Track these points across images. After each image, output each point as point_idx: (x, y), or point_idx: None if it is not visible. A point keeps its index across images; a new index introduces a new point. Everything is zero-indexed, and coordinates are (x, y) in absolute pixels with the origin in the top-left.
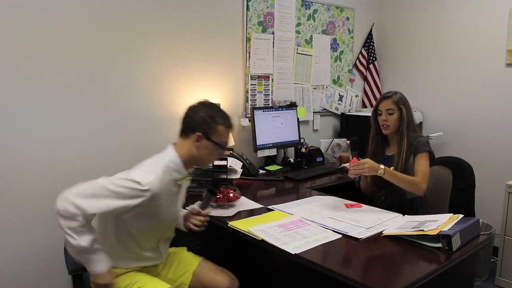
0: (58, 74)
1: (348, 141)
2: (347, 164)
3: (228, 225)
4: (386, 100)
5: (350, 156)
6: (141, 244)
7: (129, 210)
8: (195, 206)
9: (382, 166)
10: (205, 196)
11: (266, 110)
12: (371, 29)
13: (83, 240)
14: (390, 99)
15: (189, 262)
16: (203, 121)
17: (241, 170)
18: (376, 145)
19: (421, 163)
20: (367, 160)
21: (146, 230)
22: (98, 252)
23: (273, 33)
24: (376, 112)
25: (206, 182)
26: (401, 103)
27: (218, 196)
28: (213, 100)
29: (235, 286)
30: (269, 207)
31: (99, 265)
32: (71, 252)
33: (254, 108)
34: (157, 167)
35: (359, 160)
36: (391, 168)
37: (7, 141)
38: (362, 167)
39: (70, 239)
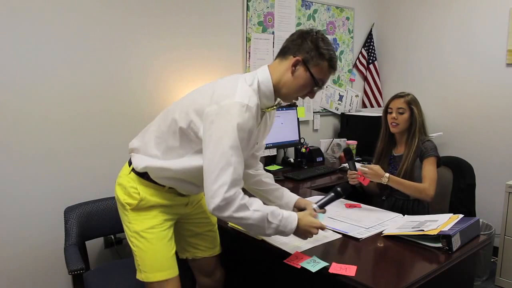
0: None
1: (348, 142)
2: (346, 164)
3: (228, 225)
4: (398, 99)
5: (348, 166)
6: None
7: None
8: (314, 206)
9: (386, 175)
10: (329, 196)
11: None
12: (371, 29)
13: (256, 209)
14: (402, 99)
15: (215, 244)
16: (308, 48)
17: None
18: (385, 144)
19: (428, 169)
20: (374, 166)
21: None
22: (274, 211)
23: (273, 33)
24: (386, 110)
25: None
26: (413, 104)
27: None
28: None
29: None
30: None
31: (289, 219)
32: (260, 234)
33: None
34: (249, 89)
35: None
36: (399, 168)
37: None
38: (367, 171)
39: (246, 220)
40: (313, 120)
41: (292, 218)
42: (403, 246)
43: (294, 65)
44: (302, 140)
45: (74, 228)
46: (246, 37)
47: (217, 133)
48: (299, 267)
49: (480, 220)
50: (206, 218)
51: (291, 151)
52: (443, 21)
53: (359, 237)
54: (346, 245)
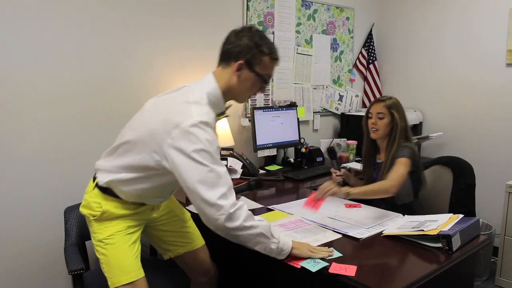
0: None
1: (348, 142)
2: (346, 164)
3: None
4: (378, 103)
5: (333, 165)
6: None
7: None
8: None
9: (344, 190)
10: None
11: (266, 110)
12: (371, 29)
13: (260, 219)
14: (382, 103)
15: (193, 238)
16: (247, 48)
17: (241, 170)
18: (368, 150)
19: (396, 168)
20: (328, 184)
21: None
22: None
23: (273, 33)
24: (367, 115)
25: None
26: (394, 108)
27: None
28: None
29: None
30: (269, 207)
31: (285, 238)
32: (258, 248)
33: (254, 108)
34: (203, 103)
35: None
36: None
37: (7, 139)
38: (326, 192)
39: (255, 229)
40: (313, 120)
41: (287, 238)
42: (403, 246)
43: (238, 69)
44: (302, 140)
45: (74, 228)
46: None
47: (191, 157)
48: (299, 267)
49: (480, 220)
50: (176, 216)
51: (291, 151)
52: (443, 21)
53: (359, 237)
54: (346, 245)
